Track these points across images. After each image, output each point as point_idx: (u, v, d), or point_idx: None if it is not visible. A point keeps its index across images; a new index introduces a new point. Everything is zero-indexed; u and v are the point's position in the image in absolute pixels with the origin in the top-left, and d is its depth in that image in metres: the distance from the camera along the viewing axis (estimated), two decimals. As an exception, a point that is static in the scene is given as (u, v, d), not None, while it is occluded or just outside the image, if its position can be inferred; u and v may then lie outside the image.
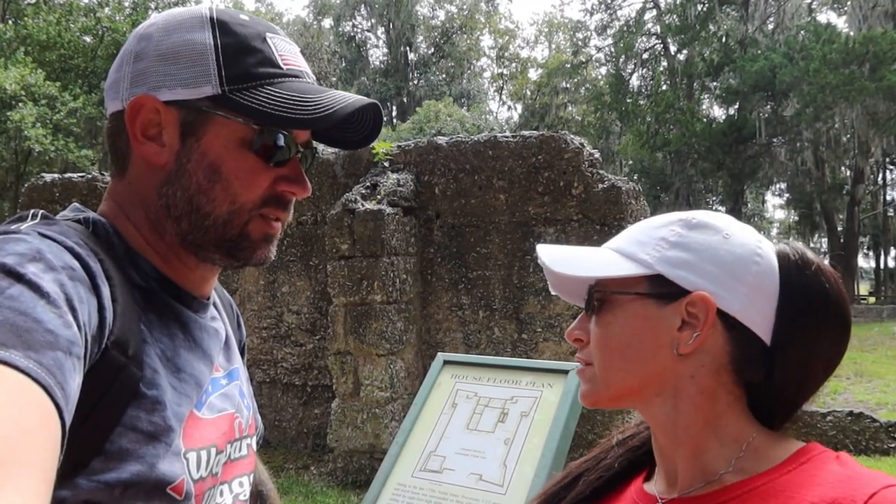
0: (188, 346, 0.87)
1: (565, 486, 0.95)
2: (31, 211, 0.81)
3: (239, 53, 0.86)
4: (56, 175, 7.57)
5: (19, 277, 0.65)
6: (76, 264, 0.72)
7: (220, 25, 0.87)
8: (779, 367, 0.80)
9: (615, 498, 0.92)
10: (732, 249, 0.81)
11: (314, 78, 0.93)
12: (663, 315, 0.80)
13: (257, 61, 0.86)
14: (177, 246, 0.88)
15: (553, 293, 0.94)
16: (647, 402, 0.84)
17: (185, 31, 0.87)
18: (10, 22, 19.37)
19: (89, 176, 7.37)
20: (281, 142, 0.87)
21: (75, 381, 0.65)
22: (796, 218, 40.46)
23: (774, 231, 52.74)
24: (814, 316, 0.79)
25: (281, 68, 0.88)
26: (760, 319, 0.79)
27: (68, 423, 0.62)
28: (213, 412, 0.89)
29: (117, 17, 19.03)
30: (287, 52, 0.91)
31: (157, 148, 0.86)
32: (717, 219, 0.84)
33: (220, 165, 0.86)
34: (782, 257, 0.82)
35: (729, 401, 0.81)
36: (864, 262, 46.29)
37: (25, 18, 18.77)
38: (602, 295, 0.84)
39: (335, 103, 0.85)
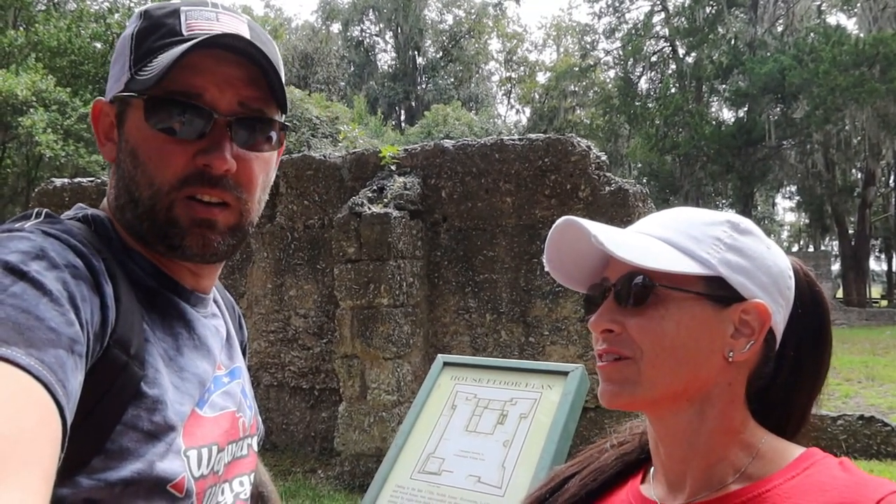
0: (192, 344, 0.87)
1: (552, 489, 0.94)
2: (35, 210, 0.82)
3: (147, 34, 0.85)
4: (66, 180, 7.62)
5: (22, 275, 0.65)
6: (79, 262, 0.73)
7: (144, 14, 0.88)
8: (794, 373, 0.82)
9: (610, 499, 0.90)
10: (776, 261, 0.82)
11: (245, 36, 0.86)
12: (719, 319, 0.78)
13: (159, 36, 0.85)
14: (147, 243, 0.88)
15: (547, 269, 0.88)
16: (674, 409, 0.80)
17: (124, 32, 0.90)
18: (21, 28, 19.54)
19: (99, 180, 7.42)
20: (174, 108, 0.82)
21: (77, 380, 0.65)
22: (807, 221, 40.26)
23: (785, 234, 52.48)
24: (824, 327, 0.84)
25: (181, 35, 0.84)
26: (783, 329, 0.82)
27: (69, 420, 0.62)
28: (215, 410, 0.89)
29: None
30: (198, 18, 0.86)
31: (112, 146, 0.89)
32: (756, 227, 0.84)
33: (136, 148, 0.84)
34: (794, 271, 0.85)
35: (746, 408, 0.81)
36: (876, 264, 46.00)
37: (36, 25, 18.93)
38: (652, 287, 0.78)
39: (184, 47, 0.80)
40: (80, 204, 0.91)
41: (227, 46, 0.83)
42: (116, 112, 0.88)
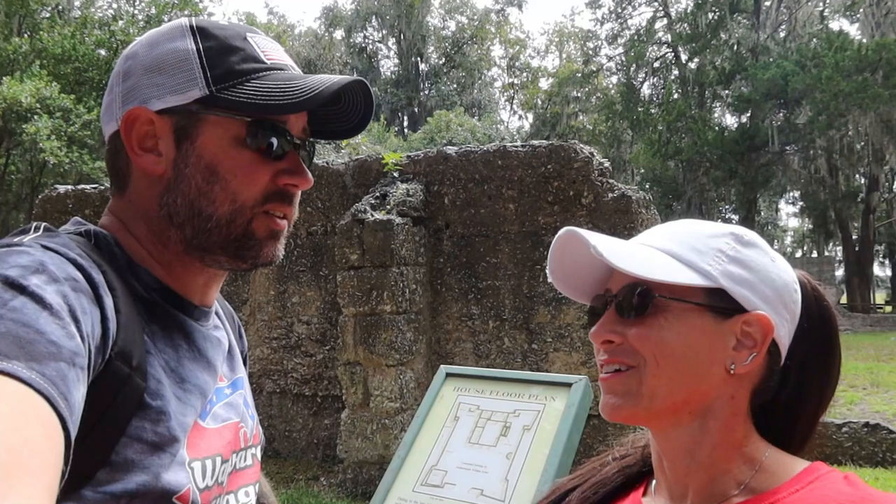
0: (192, 356, 0.87)
1: (553, 503, 0.93)
2: (34, 224, 0.82)
3: (222, 54, 0.87)
4: (70, 186, 7.64)
5: (22, 289, 0.65)
6: (79, 276, 0.72)
7: (200, 31, 0.89)
8: (799, 388, 0.82)
9: None
10: (781, 274, 0.81)
11: (300, 71, 0.94)
12: (720, 331, 0.77)
13: (240, 59, 0.87)
14: (182, 254, 0.88)
15: (550, 281, 0.88)
16: (676, 422, 0.79)
17: (167, 42, 0.88)
18: (25, 36, 19.64)
19: (102, 187, 7.43)
20: (274, 133, 0.87)
21: (79, 392, 0.65)
22: (810, 226, 40.22)
23: (788, 240, 52.42)
24: (832, 342, 0.83)
25: (265, 62, 0.88)
26: (788, 343, 0.81)
27: (73, 433, 0.62)
28: (218, 422, 0.89)
29: (131, 31, 19.25)
30: (269, 48, 0.91)
31: (155, 158, 0.87)
32: (761, 239, 0.84)
33: (216, 165, 0.86)
34: (802, 285, 0.84)
35: (750, 422, 0.81)
36: (880, 270, 45.87)
37: (41, 32, 19.03)
38: (653, 298, 0.78)
39: (320, 84, 0.85)
40: (78, 218, 0.90)
41: (354, 90, 0.91)
42: (175, 125, 0.86)
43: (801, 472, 0.77)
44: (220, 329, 0.97)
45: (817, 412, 0.84)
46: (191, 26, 0.89)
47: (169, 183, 0.86)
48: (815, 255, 39.83)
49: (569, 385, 1.42)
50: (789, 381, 0.82)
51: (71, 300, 0.68)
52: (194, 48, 0.87)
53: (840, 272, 33.87)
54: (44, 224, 0.82)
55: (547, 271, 0.87)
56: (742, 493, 0.78)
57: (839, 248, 36.03)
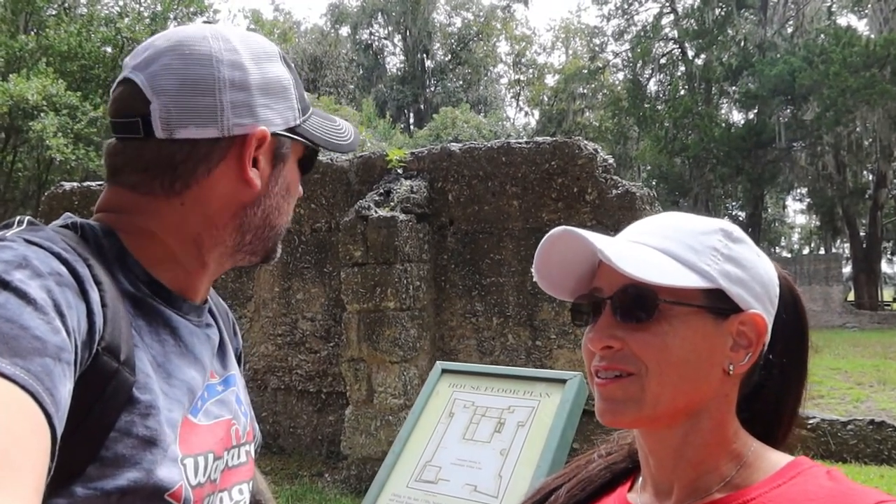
0: (178, 351, 0.87)
1: (539, 501, 0.93)
2: (18, 218, 0.82)
3: (298, 86, 0.98)
4: (75, 183, 7.67)
5: (5, 285, 0.65)
6: (63, 270, 0.72)
7: (285, 60, 0.97)
8: (780, 380, 0.81)
9: None
10: (767, 270, 0.81)
11: None
12: (719, 332, 0.76)
13: (303, 93, 1.00)
14: (221, 255, 0.93)
15: (536, 280, 0.85)
16: (670, 423, 0.78)
17: (269, 63, 0.94)
18: (32, 33, 19.69)
19: (107, 184, 7.44)
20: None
21: (66, 387, 0.65)
22: (817, 223, 40.01)
23: (796, 237, 52.19)
24: (805, 332, 0.84)
25: (306, 99, 1.01)
26: (769, 336, 0.81)
27: (59, 429, 0.62)
28: (210, 418, 0.88)
29: (137, 28, 19.23)
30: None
31: (257, 173, 0.92)
32: (745, 234, 0.83)
33: (290, 184, 0.98)
34: (779, 277, 0.84)
35: (736, 417, 0.80)
36: (888, 267, 45.67)
37: (47, 30, 19.07)
38: (656, 303, 0.75)
39: (352, 133, 1.05)
40: (68, 213, 0.90)
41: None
42: (276, 147, 0.94)
43: (785, 467, 0.77)
44: (211, 326, 0.97)
45: (797, 402, 0.84)
46: (281, 55, 0.98)
47: (258, 197, 0.93)
48: (822, 252, 39.66)
49: (563, 381, 1.42)
50: (774, 372, 0.82)
51: (56, 295, 0.68)
52: (292, 78, 0.97)
53: (847, 269, 33.67)
54: (27, 218, 0.81)
55: (533, 270, 0.84)
56: (725, 489, 0.77)
57: (846, 245, 35.86)
